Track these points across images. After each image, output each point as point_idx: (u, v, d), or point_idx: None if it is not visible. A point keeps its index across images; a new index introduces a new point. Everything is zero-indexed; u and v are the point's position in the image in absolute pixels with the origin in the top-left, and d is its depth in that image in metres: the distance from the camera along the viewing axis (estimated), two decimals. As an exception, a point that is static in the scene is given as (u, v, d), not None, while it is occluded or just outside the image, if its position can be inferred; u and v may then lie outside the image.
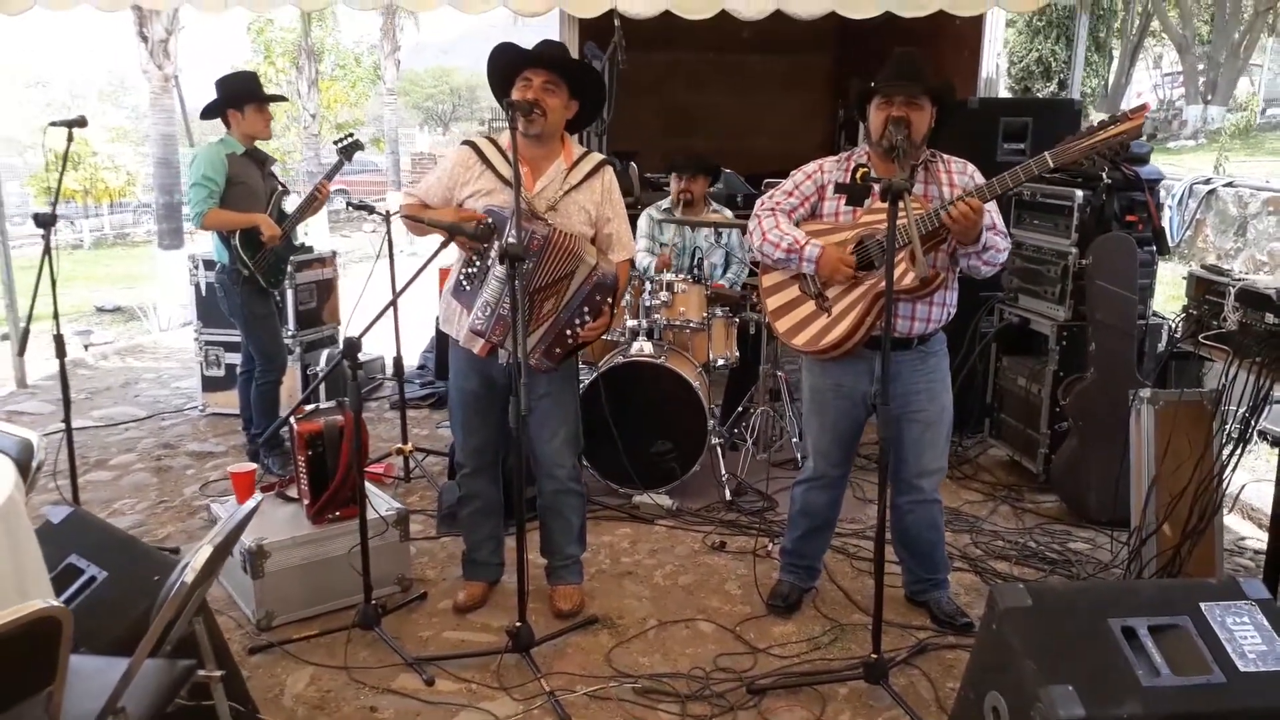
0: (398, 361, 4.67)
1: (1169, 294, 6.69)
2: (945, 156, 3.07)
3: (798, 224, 3.12)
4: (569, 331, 3.05)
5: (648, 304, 4.44)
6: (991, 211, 2.95)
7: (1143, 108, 2.79)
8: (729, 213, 5.15)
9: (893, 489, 3.29)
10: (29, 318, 3.64)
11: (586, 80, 3.13)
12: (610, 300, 3.08)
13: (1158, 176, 4.42)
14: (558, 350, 3.08)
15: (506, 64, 3.04)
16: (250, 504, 2.15)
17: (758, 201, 3.22)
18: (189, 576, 1.81)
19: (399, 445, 4.62)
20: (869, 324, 2.98)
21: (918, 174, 2.99)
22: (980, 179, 2.99)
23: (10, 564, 1.86)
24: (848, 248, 3.00)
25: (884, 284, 2.86)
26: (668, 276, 4.55)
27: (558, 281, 2.99)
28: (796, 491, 3.38)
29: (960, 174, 3.03)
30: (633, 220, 4.90)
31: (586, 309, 3.03)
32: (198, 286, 5.63)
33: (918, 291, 2.93)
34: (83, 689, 1.76)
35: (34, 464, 2.39)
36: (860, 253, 2.99)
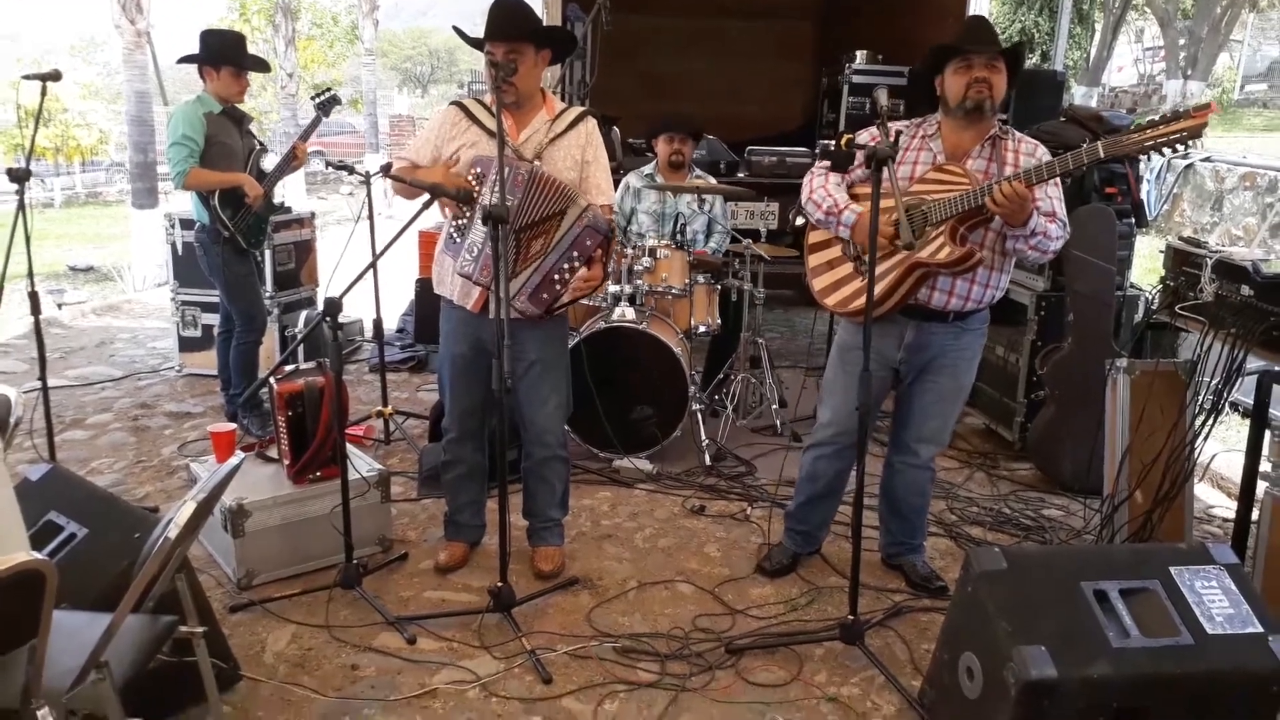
0: (377, 324, 4.65)
1: (1146, 266, 6.76)
2: (1017, 135, 3.00)
3: (854, 185, 3.08)
4: (557, 276, 3.00)
5: (630, 268, 4.44)
6: (1054, 198, 2.91)
7: (1207, 106, 2.67)
8: (712, 179, 5.13)
9: (890, 448, 3.32)
10: (3, 274, 3.57)
11: (546, 34, 3.12)
12: (604, 250, 3.06)
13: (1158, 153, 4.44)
14: (544, 296, 3.01)
15: (471, 42, 3.06)
16: (233, 462, 2.14)
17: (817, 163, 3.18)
18: (172, 532, 1.81)
19: (379, 407, 4.61)
20: (902, 292, 2.95)
21: (984, 149, 2.94)
22: (1048, 157, 2.91)
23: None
24: (893, 215, 2.89)
25: (919, 255, 2.87)
26: (650, 242, 4.54)
27: (546, 220, 2.95)
28: (806, 456, 3.35)
29: (1028, 155, 2.94)
30: (616, 184, 4.88)
31: (576, 253, 2.98)
32: (174, 245, 5.56)
33: (955, 266, 2.86)
34: (65, 644, 1.76)
35: (12, 420, 2.37)
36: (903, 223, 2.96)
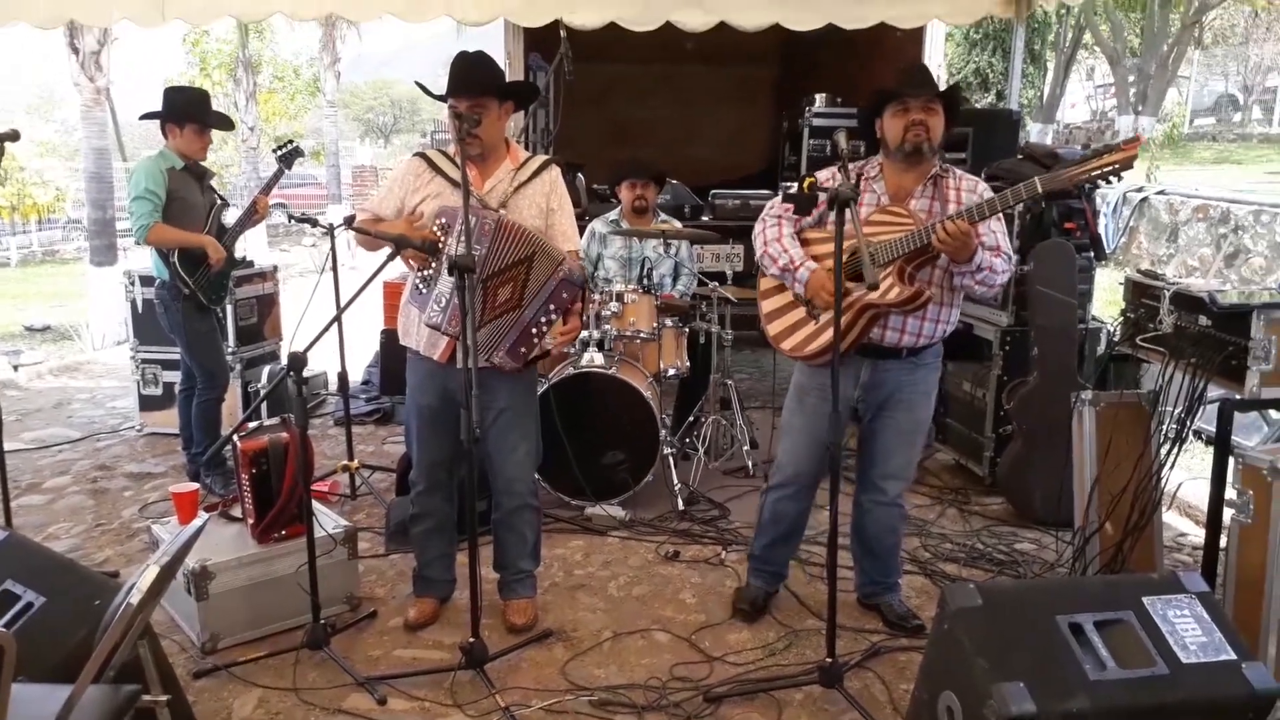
0: (342, 377, 4.61)
1: (1106, 299, 6.87)
2: (958, 172, 3.07)
3: (803, 230, 3.14)
4: (534, 330, 3.01)
5: (598, 314, 4.44)
6: (997, 233, 2.97)
7: (1135, 140, 2.80)
8: (677, 223, 5.17)
9: (858, 488, 3.33)
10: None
11: (509, 88, 3.17)
12: (580, 302, 3.08)
13: (1093, 185, 4.54)
14: (523, 350, 3.03)
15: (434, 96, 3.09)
16: (196, 523, 2.10)
17: (768, 204, 3.24)
18: (135, 598, 1.76)
19: (344, 462, 4.55)
20: (856, 333, 3.01)
21: (926, 188, 3.01)
22: (989, 193, 2.98)
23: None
24: (843, 257, 2.97)
25: (869, 296, 2.90)
26: (618, 287, 4.55)
27: (513, 266, 2.96)
28: (767, 498, 3.38)
29: (969, 193, 3.01)
30: (581, 231, 4.90)
31: (553, 305, 3.00)
32: (134, 303, 5.49)
33: (906, 306, 2.92)
34: (25, 718, 1.69)
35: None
36: (851, 264, 3.00)
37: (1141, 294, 3.54)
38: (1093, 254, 4.45)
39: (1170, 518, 4.21)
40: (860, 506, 3.32)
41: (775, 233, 3.14)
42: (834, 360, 2.71)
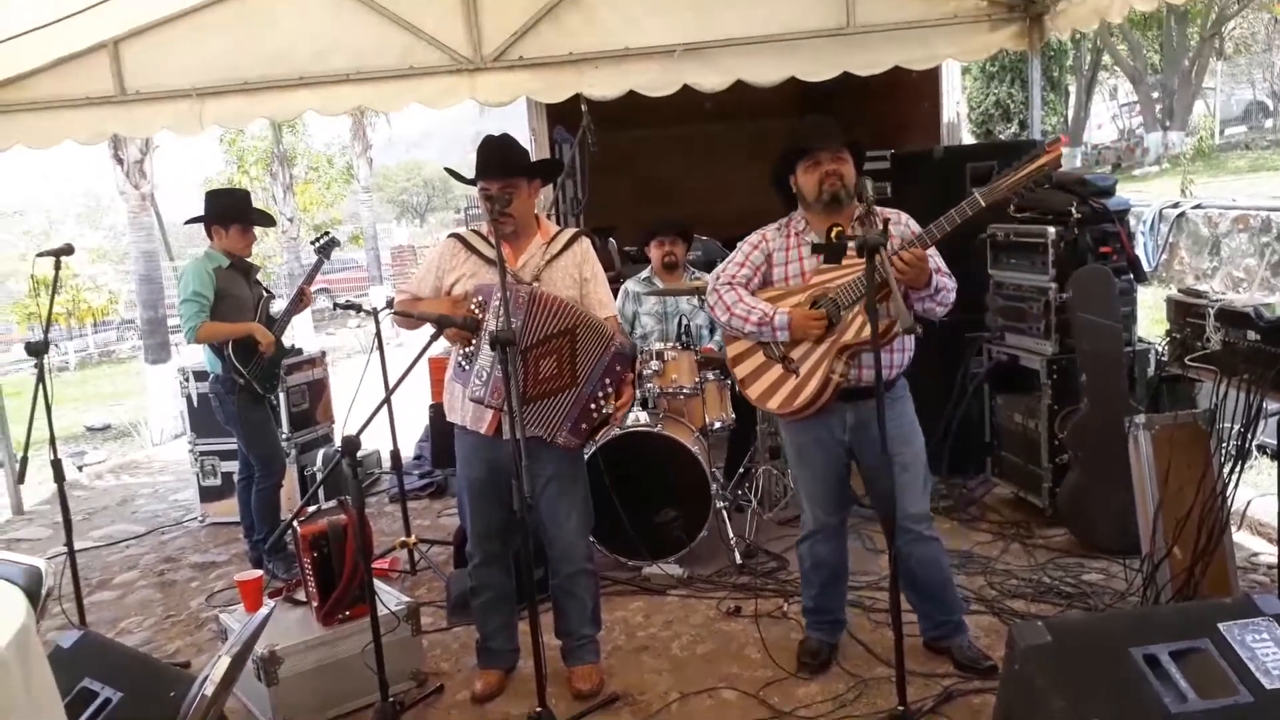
0: (395, 454, 4.68)
1: (1154, 318, 6.76)
2: (878, 209, 3.12)
3: (754, 293, 3.22)
4: (593, 406, 3.10)
5: (640, 374, 4.48)
6: (935, 256, 3.07)
7: (1056, 141, 2.98)
8: (708, 277, 5.21)
9: (888, 538, 3.30)
10: (26, 445, 3.64)
11: (536, 167, 3.32)
12: (632, 372, 3.16)
13: (1125, 206, 4.52)
14: (584, 426, 3.12)
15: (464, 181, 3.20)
16: (263, 611, 2.14)
17: (713, 274, 3.35)
18: (209, 689, 1.80)
19: (402, 538, 4.59)
20: (836, 381, 3.08)
21: (856, 230, 3.07)
22: (915, 226, 3.11)
23: (26, 697, 1.84)
24: (804, 309, 3.11)
25: (844, 338, 3.04)
26: (657, 345, 4.59)
27: (553, 338, 3.03)
28: (802, 549, 3.39)
29: (895, 224, 3.11)
30: (616, 293, 4.97)
31: (608, 380, 3.10)
32: (189, 398, 5.64)
33: (880, 340, 2.96)
34: (108, 816, 1.73)
35: (43, 591, 2.37)
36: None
37: (1185, 313, 3.51)
38: (1132, 275, 4.42)
39: (1242, 537, 4.10)
40: (899, 553, 3.28)
41: (734, 296, 3.21)
42: (879, 399, 2.75)
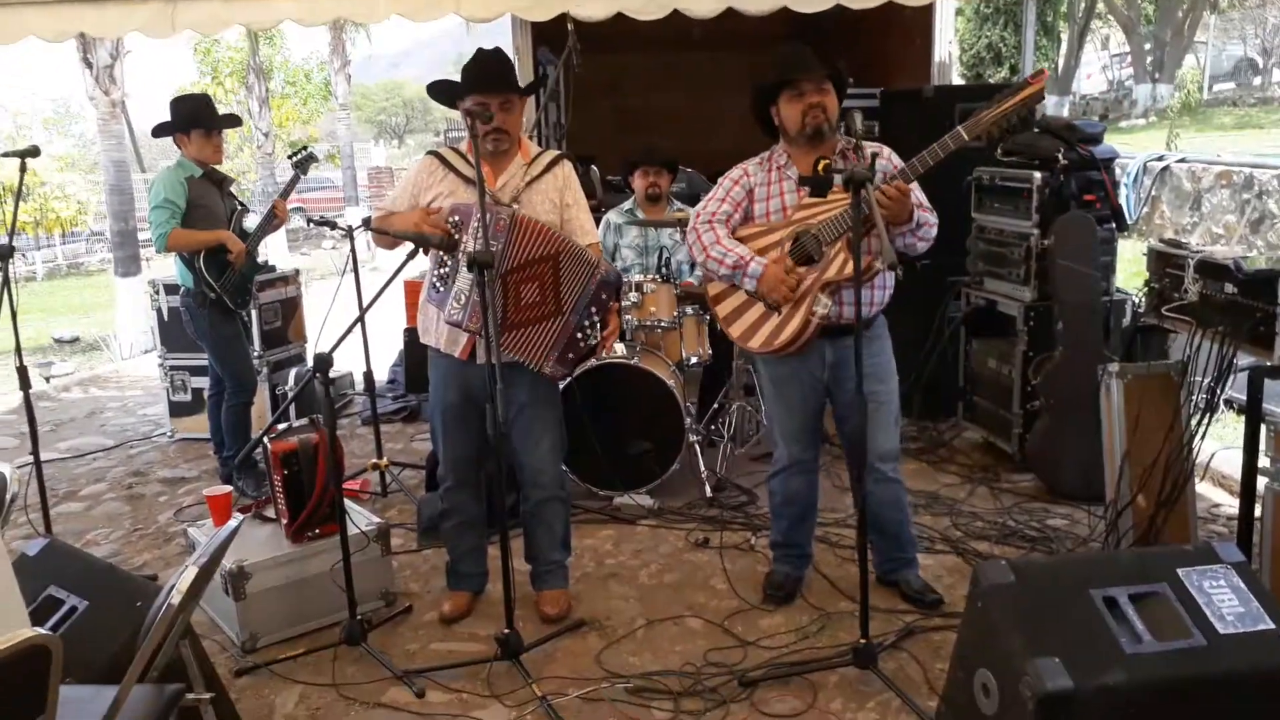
0: (368, 376, 4.64)
1: (1130, 270, 6.80)
2: (861, 143, 3.10)
3: (734, 230, 3.19)
4: (580, 336, 3.07)
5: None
6: (916, 190, 3.04)
7: (1040, 73, 2.94)
8: (691, 210, 5.16)
9: (854, 471, 3.34)
10: (-10, 351, 3.58)
11: (528, 86, 3.26)
12: (617, 300, 3.13)
13: (1112, 155, 4.50)
14: (570, 355, 3.10)
15: (453, 94, 3.10)
16: (231, 524, 2.13)
17: (694, 211, 3.29)
18: (175, 599, 1.79)
19: (374, 460, 4.59)
20: (817, 319, 3.07)
21: (840, 164, 3.04)
22: (898, 160, 3.08)
23: (-12, 599, 1.83)
24: (785, 246, 3.08)
25: (827, 274, 3.02)
26: (637, 277, 4.56)
27: (535, 263, 2.98)
28: (774, 484, 3.41)
29: (878, 158, 3.07)
30: (597, 223, 4.91)
31: (594, 309, 3.06)
32: (160, 311, 5.55)
33: (861, 276, 2.96)
34: (73, 717, 1.73)
35: (7, 497, 2.35)
36: (796, 249, 3.08)
37: (1165, 264, 3.52)
38: (1114, 225, 4.42)
39: (1204, 489, 4.18)
40: (865, 490, 3.32)
41: (712, 237, 3.17)
42: (857, 337, 2.74)
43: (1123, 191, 10.89)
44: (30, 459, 3.74)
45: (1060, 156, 4.25)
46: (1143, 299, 3.68)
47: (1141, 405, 3.35)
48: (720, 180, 3.26)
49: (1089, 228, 4.12)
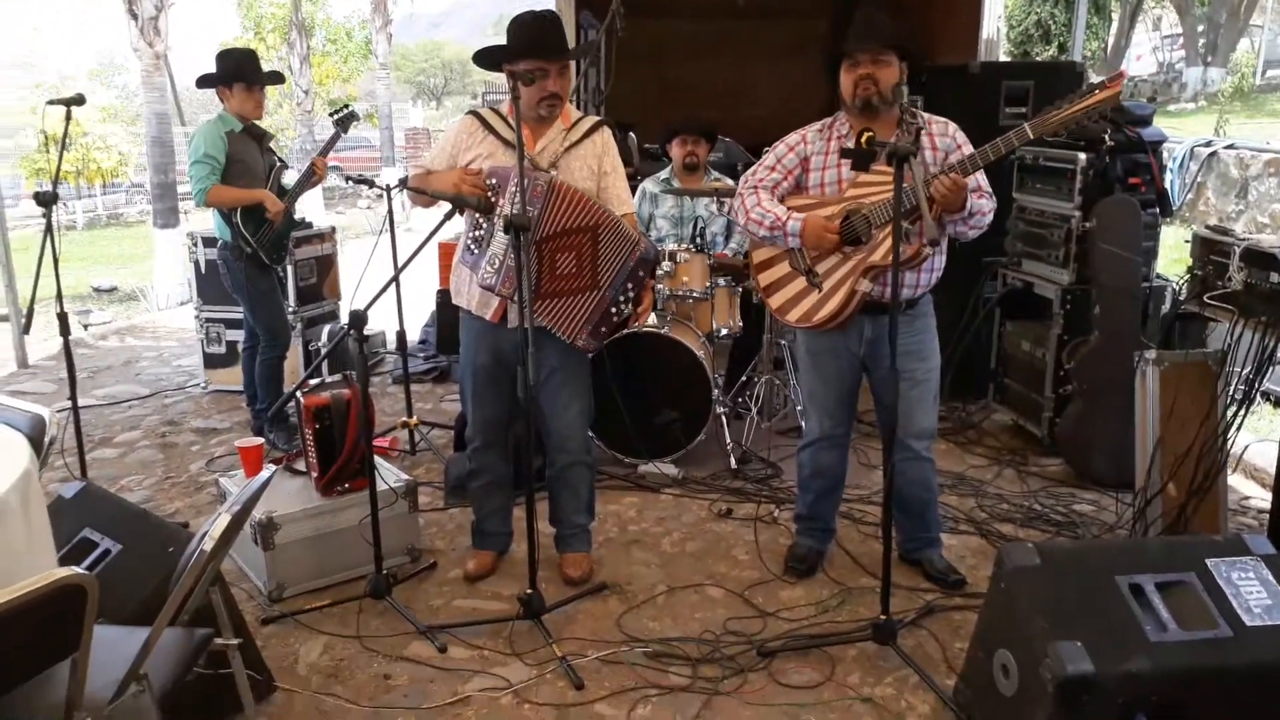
0: (400, 335, 4.68)
1: (1171, 256, 6.69)
2: (926, 116, 3.06)
3: (784, 199, 3.13)
4: (614, 310, 3.07)
5: (650, 274, 4.43)
6: (979, 174, 2.96)
7: (1119, 76, 2.81)
8: (730, 181, 5.12)
9: (885, 448, 3.32)
10: (33, 296, 3.63)
11: (584, 49, 3.20)
12: (652, 276, 3.12)
13: (1160, 138, 4.41)
14: (604, 329, 3.10)
15: (504, 56, 3.04)
16: (264, 475, 2.16)
17: (742, 177, 3.24)
18: (207, 545, 1.83)
19: (404, 419, 4.63)
20: (858, 298, 3.03)
21: (898, 135, 2.97)
22: (962, 137, 3.02)
23: (25, 538, 1.88)
24: (834, 222, 3.02)
25: (872, 258, 2.96)
26: (670, 246, 4.54)
27: (571, 233, 2.97)
28: (804, 456, 3.40)
29: (941, 135, 3.03)
30: (633, 191, 4.88)
31: (630, 285, 3.05)
32: (197, 264, 5.61)
33: (910, 262, 2.93)
34: (105, 658, 1.77)
35: (46, 439, 2.39)
36: (847, 229, 3.01)
37: (1210, 250, 3.45)
38: (1158, 210, 4.34)
39: (1236, 480, 4.12)
40: (892, 467, 3.31)
41: (754, 200, 3.12)
42: (892, 318, 2.70)
43: (1168, 176, 10.68)
44: (68, 404, 3.81)
45: (1107, 138, 4.17)
46: (1184, 286, 3.62)
47: (1177, 393, 3.31)
48: (775, 145, 3.18)
49: (1133, 211, 4.05)
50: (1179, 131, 12.41)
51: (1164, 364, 3.35)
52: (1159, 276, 4.50)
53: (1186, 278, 3.59)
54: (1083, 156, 4.23)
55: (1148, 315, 4.23)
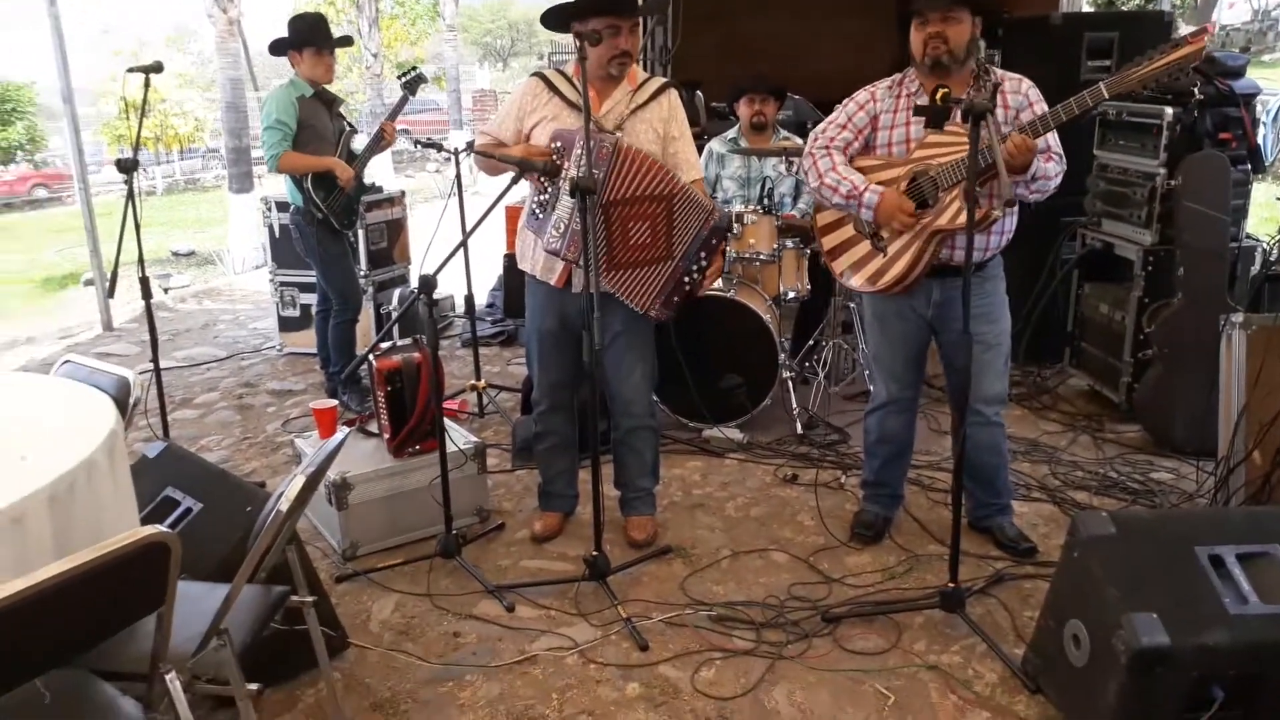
0: (469, 299, 4.73)
1: (1263, 215, 6.40)
2: (999, 73, 2.97)
3: (851, 160, 3.07)
4: (687, 279, 3.06)
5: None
6: (1050, 135, 2.86)
7: (1203, 31, 2.67)
8: (799, 140, 5.03)
9: (955, 414, 3.26)
10: (116, 261, 3.74)
11: (655, 4, 3.17)
12: (724, 243, 3.11)
13: (1254, 90, 4.20)
14: (676, 299, 3.09)
15: (573, 14, 2.99)
16: (338, 437, 2.20)
17: (811, 135, 3.17)
18: (284, 505, 1.88)
19: (472, 382, 4.69)
20: (925, 261, 2.96)
21: (970, 93, 2.88)
22: (1035, 94, 2.92)
23: (113, 495, 1.95)
24: (901, 185, 2.95)
25: (939, 222, 2.90)
26: (738, 208, 4.49)
27: (644, 202, 2.95)
28: (871, 421, 3.37)
29: (1014, 93, 2.93)
30: (700, 150, 4.83)
31: (704, 254, 3.05)
32: (271, 229, 5.73)
33: (979, 225, 2.84)
34: (188, 612, 1.84)
35: (131, 401, 2.47)
36: (913, 190, 2.94)
37: (1304, 209, 3.29)
38: (1250, 166, 4.14)
39: (1325, 449, 3.97)
40: (964, 433, 3.24)
41: (828, 163, 3.04)
42: (965, 283, 2.64)
43: (1262, 131, 10.18)
44: (151, 366, 3.94)
45: (1196, 91, 3.99)
46: (1275, 246, 3.46)
47: (1265, 358, 3.18)
48: (845, 103, 3.11)
49: (1222, 168, 3.88)
50: (1274, 83, 11.82)
51: (1251, 327, 3.22)
52: (1249, 237, 4.31)
53: (1278, 238, 3.43)
54: (1169, 111, 4.05)
55: (1235, 277, 4.07)
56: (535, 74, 3.19)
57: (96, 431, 1.96)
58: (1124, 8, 16.63)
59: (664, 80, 3.20)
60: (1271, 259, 3.50)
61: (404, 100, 4.77)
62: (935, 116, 2.75)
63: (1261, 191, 6.75)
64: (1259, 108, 6.54)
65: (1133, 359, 4.26)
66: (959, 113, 2.65)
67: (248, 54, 18.40)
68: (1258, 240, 4.29)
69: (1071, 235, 4.73)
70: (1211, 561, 2.25)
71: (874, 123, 3.05)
